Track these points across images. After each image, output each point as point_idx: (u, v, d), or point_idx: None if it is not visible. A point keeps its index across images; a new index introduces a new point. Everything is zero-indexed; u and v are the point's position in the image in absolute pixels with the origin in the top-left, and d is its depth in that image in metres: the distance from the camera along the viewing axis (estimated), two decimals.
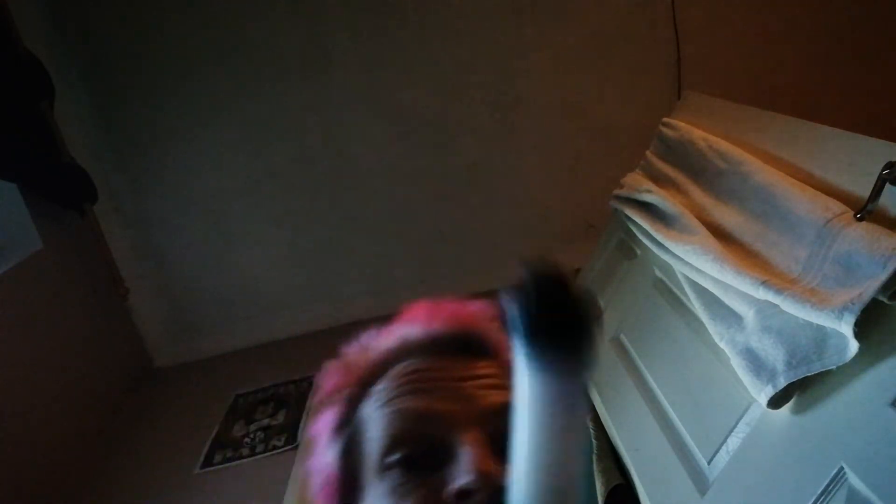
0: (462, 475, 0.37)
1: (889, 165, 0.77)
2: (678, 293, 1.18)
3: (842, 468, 0.73)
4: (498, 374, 0.45)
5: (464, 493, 0.37)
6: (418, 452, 0.41)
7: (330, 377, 0.52)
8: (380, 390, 0.47)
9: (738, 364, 0.91)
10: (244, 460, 1.59)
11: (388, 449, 0.42)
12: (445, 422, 0.41)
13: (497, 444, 0.39)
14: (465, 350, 0.48)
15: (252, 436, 1.68)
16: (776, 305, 0.85)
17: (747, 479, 0.86)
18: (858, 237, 0.77)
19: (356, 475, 0.45)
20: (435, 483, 0.39)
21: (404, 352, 0.49)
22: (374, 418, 0.45)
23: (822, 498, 0.74)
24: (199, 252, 2.19)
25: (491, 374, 0.45)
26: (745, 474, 0.87)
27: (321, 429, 0.50)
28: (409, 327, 0.50)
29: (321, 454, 0.49)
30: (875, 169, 0.79)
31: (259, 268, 2.23)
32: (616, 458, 1.17)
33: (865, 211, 0.79)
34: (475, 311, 0.50)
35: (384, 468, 0.42)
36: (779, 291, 0.83)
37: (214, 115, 2.05)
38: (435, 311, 0.50)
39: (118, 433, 1.82)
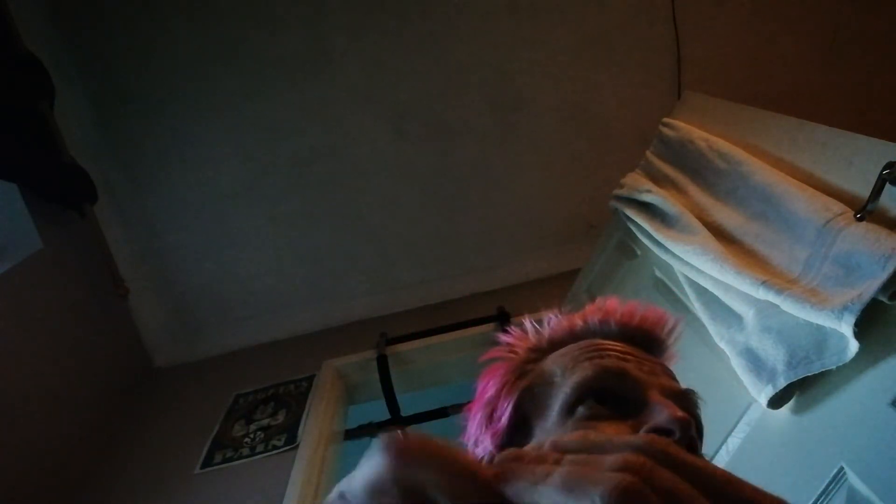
0: (660, 417, 0.39)
1: (889, 165, 0.77)
2: (678, 293, 1.18)
3: (842, 468, 0.73)
4: (670, 374, 0.48)
5: (662, 431, 0.38)
6: (611, 398, 0.42)
7: (508, 338, 0.54)
8: (563, 353, 0.49)
9: (738, 364, 0.91)
10: (244, 460, 1.59)
11: (580, 393, 0.43)
12: (638, 383, 0.43)
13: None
14: (643, 345, 0.50)
15: (252, 436, 1.68)
16: (776, 305, 0.85)
17: (747, 479, 0.86)
18: (858, 237, 0.77)
19: (528, 420, 0.46)
20: (627, 422, 0.41)
21: (589, 332, 0.52)
22: (562, 372, 0.46)
23: (822, 498, 0.74)
24: (199, 252, 2.19)
25: (665, 370, 0.48)
26: (745, 474, 0.86)
27: (494, 376, 0.52)
28: (595, 316, 0.53)
29: (498, 403, 0.49)
30: (875, 169, 0.79)
31: (259, 268, 2.23)
32: None
33: (865, 211, 0.79)
34: (659, 315, 0.53)
35: (572, 407, 0.43)
36: (779, 291, 0.83)
37: (214, 115, 2.05)
38: (620, 307, 0.53)
39: (118, 433, 1.82)
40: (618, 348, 0.48)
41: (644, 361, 0.47)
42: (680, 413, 0.39)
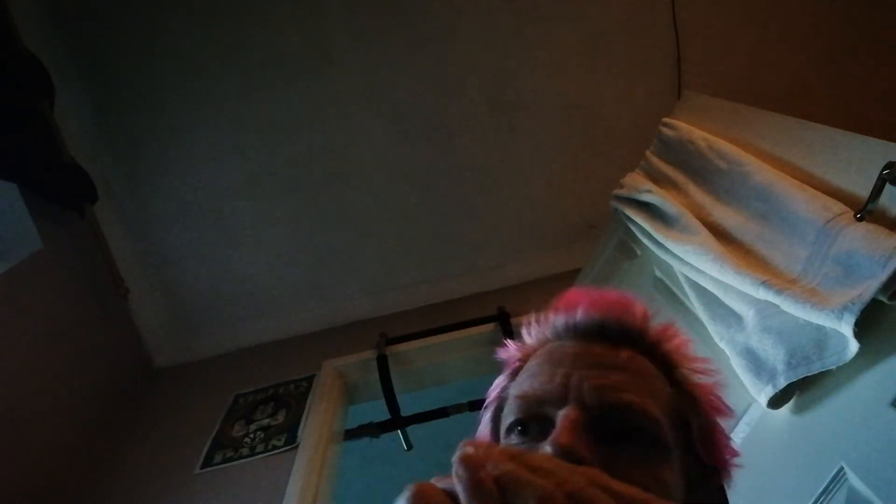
0: (546, 445, 0.41)
1: (889, 165, 0.77)
2: (678, 293, 1.18)
3: (842, 468, 0.73)
4: (626, 363, 0.49)
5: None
6: (527, 421, 0.47)
7: (505, 352, 0.59)
8: (524, 370, 0.53)
9: (738, 364, 0.91)
10: (244, 460, 1.59)
11: (508, 428, 0.49)
12: (549, 402, 0.46)
13: (595, 425, 0.43)
14: (605, 336, 0.51)
15: (252, 436, 1.68)
16: (776, 305, 0.85)
17: (747, 480, 0.86)
18: (858, 237, 0.77)
19: (498, 438, 0.52)
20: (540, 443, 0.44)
21: (556, 334, 0.54)
22: (512, 392, 0.51)
23: (822, 498, 0.74)
24: (199, 252, 2.19)
25: (619, 363, 0.49)
26: (745, 474, 0.87)
27: (489, 394, 0.58)
28: (559, 316, 0.54)
29: (484, 413, 0.57)
30: (875, 169, 0.79)
31: (259, 268, 2.23)
32: None
33: (865, 211, 0.79)
34: (623, 302, 0.54)
35: (507, 432, 0.49)
36: (779, 291, 0.83)
37: (214, 115, 2.05)
38: (584, 301, 0.54)
39: (118, 433, 1.82)
40: (568, 353, 0.50)
41: (594, 363, 0.48)
42: (563, 440, 0.41)
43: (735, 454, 0.53)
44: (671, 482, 0.44)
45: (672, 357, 0.53)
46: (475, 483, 0.28)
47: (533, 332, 0.57)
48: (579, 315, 0.52)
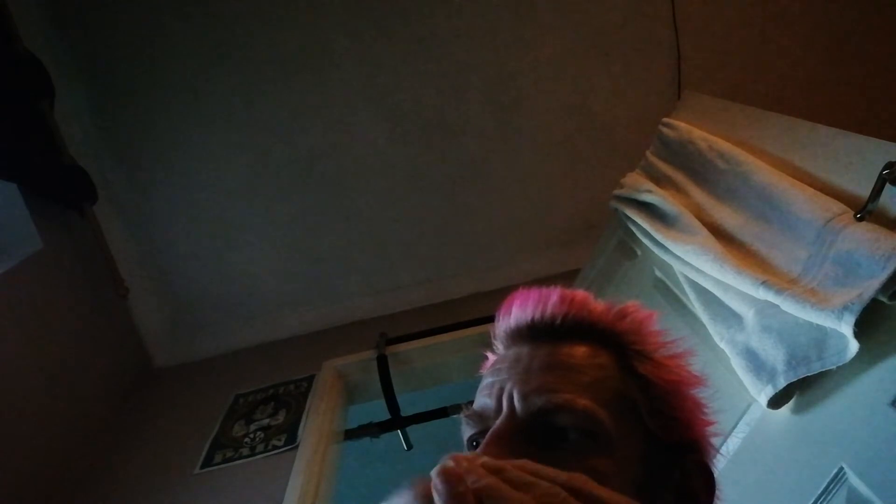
0: None
1: (889, 165, 0.77)
2: (678, 293, 1.18)
3: (842, 468, 0.73)
4: (563, 359, 0.48)
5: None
6: (476, 438, 0.49)
7: (483, 367, 0.58)
8: (480, 389, 0.53)
9: (738, 364, 0.91)
10: (244, 460, 1.59)
11: (467, 438, 0.50)
12: (489, 417, 0.47)
13: (529, 431, 0.44)
14: (545, 335, 0.51)
15: (252, 436, 1.68)
16: (776, 305, 0.85)
17: (747, 480, 0.86)
18: (858, 237, 0.77)
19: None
20: None
21: (503, 342, 0.54)
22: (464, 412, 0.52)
23: (822, 498, 0.74)
24: (199, 252, 2.19)
25: (554, 361, 0.48)
26: (746, 474, 0.87)
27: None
28: (502, 323, 0.54)
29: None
30: (875, 169, 0.79)
31: (259, 267, 2.23)
32: None
33: (865, 211, 0.79)
34: (547, 293, 0.53)
35: (468, 449, 0.50)
36: (779, 291, 0.83)
37: (214, 115, 2.05)
38: (518, 304, 0.53)
39: (118, 433, 1.82)
40: (507, 361, 0.50)
41: (523, 366, 0.48)
42: (481, 453, 0.41)
43: (709, 424, 0.50)
44: (611, 472, 0.42)
45: (621, 337, 0.51)
46: (454, 497, 0.28)
47: (496, 341, 0.57)
48: (512, 320, 0.52)
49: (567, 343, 0.50)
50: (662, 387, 0.49)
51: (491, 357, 0.57)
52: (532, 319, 0.51)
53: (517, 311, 0.52)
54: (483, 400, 0.49)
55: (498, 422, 0.44)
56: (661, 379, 0.49)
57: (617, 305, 0.53)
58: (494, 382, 0.49)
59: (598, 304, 0.53)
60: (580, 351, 0.49)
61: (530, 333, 0.51)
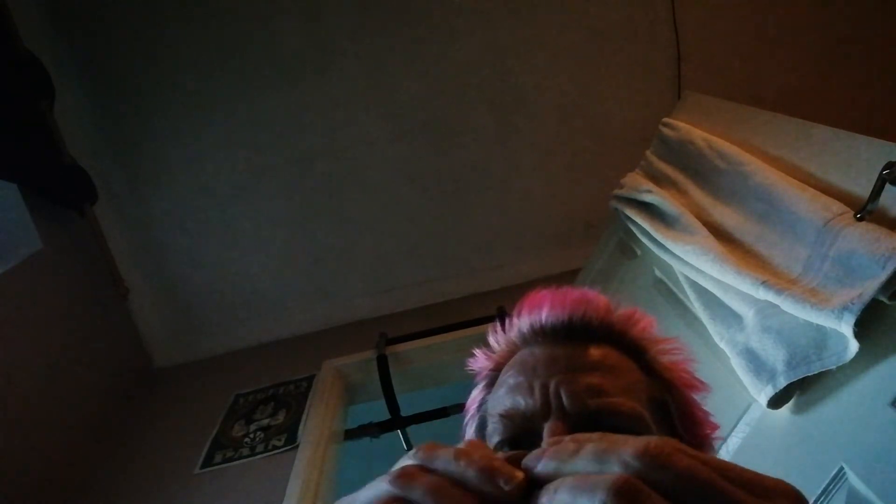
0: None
1: (889, 165, 0.77)
2: (678, 293, 1.18)
3: (842, 468, 0.73)
4: (599, 361, 0.48)
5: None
6: (515, 441, 0.46)
7: (476, 363, 0.58)
8: (500, 384, 0.52)
9: (738, 364, 0.91)
10: (244, 460, 1.59)
11: (496, 439, 0.48)
12: (533, 418, 0.46)
13: (576, 429, 0.43)
14: (573, 335, 0.51)
15: (252, 436, 1.68)
16: (776, 305, 0.85)
17: None
18: (858, 237, 0.77)
19: None
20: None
21: (524, 341, 0.53)
22: (493, 409, 0.50)
23: (822, 498, 0.74)
24: (199, 252, 2.19)
25: (591, 362, 0.48)
26: None
27: (468, 408, 0.57)
28: (524, 321, 0.53)
29: (467, 428, 0.56)
30: (875, 169, 0.79)
31: (259, 267, 2.23)
32: None
33: (865, 211, 0.79)
34: (577, 296, 0.53)
35: (495, 449, 0.47)
36: (779, 291, 0.83)
37: (214, 115, 2.05)
38: (545, 303, 0.53)
39: (118, 433, 1.82)
40: (541, 360, 0.49)
41: (567, 367, 0.48)
42: (547, 449, 0.40)
43: (714, 427, 0.53)
44: None
45: (640, 342, 0.52)
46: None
47: (500, 338, 0.56)
48: (544, 317, 0.51)
49: (595, 345, 0.50)
50: (681, 390, 0.51)
51: (486, 354, 0.57)
52: (570, 320, 0.51)
53: (552, 310, 0.52)
54: (518, 399, 0.47)
55: (551, 423, 0.44)
56: (679, 382, 0.51)
57: (624, 309, 0.53)
58: (533, 382, 0.47)
59: (617, 309, 0.54)
60: (612, 354, 0.50)
61: (564, 333, 0.51)
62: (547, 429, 0.43)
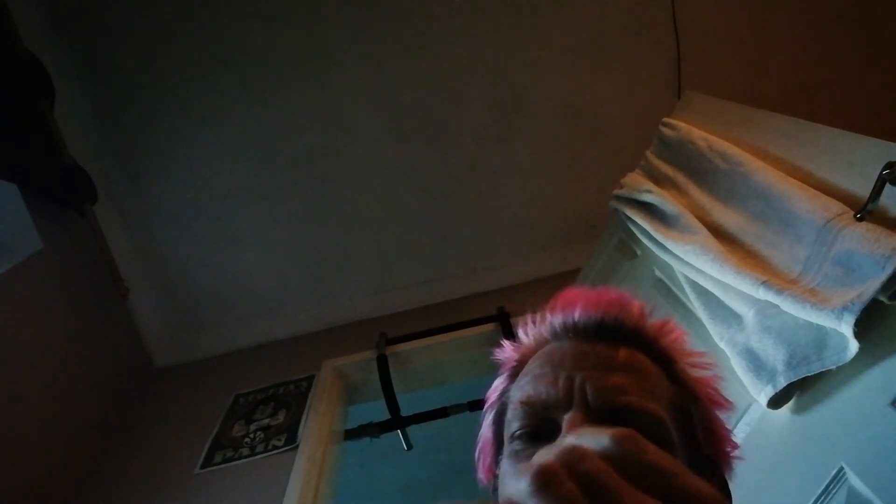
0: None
1: (889, 165, 0.77)
2: (678, 293, 1.18)
3: (842, 468, 0.73)
4: (627, 362, 0.49)
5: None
6: (534, 428, 0.47)
7: (502, 353, 0.59)
8: (525, 373, 0.53)
9: (738, 364, 0.91)
10: (244, 460, 1.59)
11: (511, 435, 0.49)
12: (553, 407, 0.46)
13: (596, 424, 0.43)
14: (603, 335, 0.51)
15: (252, 436, 1.68)
16: (776, 305, 0.85)
17: (747, 480, 0.86)
18: (858, 237, 0.77)
19: (501, 440, 0.52)
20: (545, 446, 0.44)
21: (555, 335, 0.54)
22: (514, 396, 0.51)
23: (822, 498, 0.74)
24: (199, 252, 2.19)
25: (619, 362, 0.49)
26: (746, 474, 0.87)
27: (489, 396, 0.58)
28: (557, 317, 0.54)
29: (484, 419, 0.57)
30: (875, 169, 0.79)
31: (259, 268, 2.23)
32: None
33: (865, 211, 0.79)
34: (613, 297, 0.53)
35: (511, 438, 0.49)
36: (779, 291, 0.83)
37: (214, 115, 2.05)
38: (580, 300, 0.53)
39: (117, 433, 1.82)
40: (569, 354, 0.50)
41: (596, 364, 0.48)
42: (570, 444, 0.39)
43: (735, 446, 0.53)
44: None
45: (670, 352, 0.53)
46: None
47: (530, 331, 0.56)
48: (578, 314, 0.52)
49: (625, 347, 0.50)
50: (706, 404, 0.51)
51: (514, 346, 0.57)
52: (603, 319, 0.51)
53: (586, 308, 0.52)
54: (542, 389, 0.48)
55: (572, 414, 0.44)
56: (705, 395, 0.52)
57: (660, 319, 0.54)
58: (559, 374, 0.48)
59: (651, 316, 0.54)
60: (640, 358, 0.50)
61: (595, 332, 0.51)
62: (566, 420, 0.44)
